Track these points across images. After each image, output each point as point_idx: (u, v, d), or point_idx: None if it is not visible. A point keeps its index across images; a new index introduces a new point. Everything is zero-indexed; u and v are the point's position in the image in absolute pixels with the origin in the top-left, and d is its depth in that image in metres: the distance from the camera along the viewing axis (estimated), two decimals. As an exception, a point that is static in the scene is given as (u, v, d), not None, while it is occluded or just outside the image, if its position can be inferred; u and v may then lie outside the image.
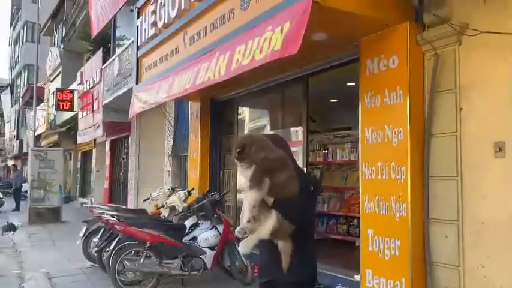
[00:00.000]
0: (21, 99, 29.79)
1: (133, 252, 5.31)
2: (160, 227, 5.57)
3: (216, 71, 4.78)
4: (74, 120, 17.05)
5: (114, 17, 12.15)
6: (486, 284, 3.66)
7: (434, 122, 4.12)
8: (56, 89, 17.45)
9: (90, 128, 14.05)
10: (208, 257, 5.46)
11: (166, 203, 7.18)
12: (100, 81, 13.13)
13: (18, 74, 34.30)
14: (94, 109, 13.67)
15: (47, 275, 6.33)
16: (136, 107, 7.59)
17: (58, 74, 20.61)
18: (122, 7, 10.65)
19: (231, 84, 6.37)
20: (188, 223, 5.86)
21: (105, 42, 14.11)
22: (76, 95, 16.12)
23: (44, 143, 23.63)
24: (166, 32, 6.75)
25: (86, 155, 20.05)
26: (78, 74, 15.90)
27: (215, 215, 5.73)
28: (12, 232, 11.25)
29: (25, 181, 19.11)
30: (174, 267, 5.32)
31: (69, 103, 16.38)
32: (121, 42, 13.25)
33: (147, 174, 12.01)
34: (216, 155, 7.95)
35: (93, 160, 17.74)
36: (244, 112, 8.11)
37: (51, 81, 21.83)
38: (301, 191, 2.31)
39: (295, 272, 2.35)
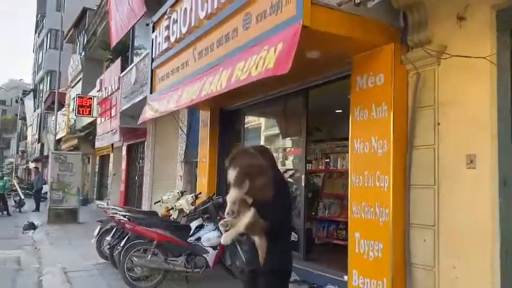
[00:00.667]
0: (43, 103, 30.59)
1: (141, 249, 5.76)
2: (167, 227, 6.03)
3: (218, 84, 5.22)
4: (92, 125, 17.66)
5: (133, 28, 12.76)
6: (457, 284, 4.01)
7: (415, 135, 4.49)
8: (77, 95, 18.15)
9: (108, 133, 14.64)
10: (211, 256, 5.87)
11: (175, 205, 7.67)
12: (118, 88, 13.70)
13: (41, 80, 35.28)
14: (112, 115, 14.25)
15: (63, 269, 6.83)
16: (147, 114, 8.10)
17: (79, 81, 21.35)
18: (139, 20, 11.27)
19: (238, 95, 6.81)
20: (194, 224, 6.30)
21: (124, 51, 14.70)
22: (95, 101, 16.74)
23: (64, 146, 24.39)
24: (178, 46, 7.23)
25: (104, 159, 20.65)
26: (98, 81, 16.55)
27: (218, 217, 6.14)
28: (32, 231, 11.86)
29: (45, 183, 19.76)
30: (178, 264, 5.76)
31: (88, 109, 16.97)
32: (139, 51, 13.84)
33: (161, 178, 12.52)
34: (223, 162, 8.35)
35: (110, 164, 18.34)
36: (250, 122, 8.53)
37: (72, 87, 22.60)
38: (275, 195, 2.74)
39: (269, 263, 2.82)
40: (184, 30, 6.84)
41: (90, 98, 17.11)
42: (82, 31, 22.51)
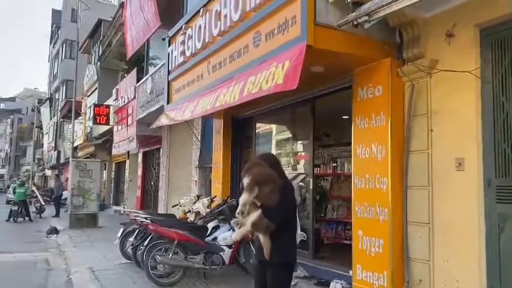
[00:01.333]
0: (59, 112, 31.23)
1: (163, 248, 6.27)
2: (186, 227, 6.55)
3: (231, 96, 5.73)
4: (109, 132, 18.23)
5: (148, 40, 13.34)
6: (449, 276, 4.45)
7: (411, 141, 4.95)
8: (94, 104, 18.75)
9: (125, 140, 15.21)
10: (226, 254, 6.37)
11: (192, 208, 8.18)
12: (134, 98, 14.25)
13: (57, 89, 36.01)
14: (128, 123, 14.82)
15: (90, 269, 7.37)
16: (162, 121, 8.68)
17: (95, 90, 21.99)
18: (154, 33, 11.86)
19: (249, 104, 7.27)
20: (210, 225, 6.81)
21: (139, 62, 15.25)
22: (112, 110, 17.29)
23: (80, 153, 25.04)
24: (193, 60, 7.77)
25: (120, 166, 21.17)
26: (114, 90, 17.15)
27: (232, 218, 6.64)
28: (55, 235, 12.47)
29: (64, 189, 20.33)
30: (197, 262, 6.27)
31: (105, 117, 17.48)
32: (154, 62, 14.42)
33: (176, 184, 13.05)
34: (236, 167, 8.87)
35: (127, 170, 18.90)
36: (261, 128, 9.02)
37: (88, 96, 23.27)
38: (280, 200, 3.25)
39: (274, 256, 3.35)
40: (199, 45, 7.37)
41: (107, 107, 17.64)
42: (97, 42, 23.18)
